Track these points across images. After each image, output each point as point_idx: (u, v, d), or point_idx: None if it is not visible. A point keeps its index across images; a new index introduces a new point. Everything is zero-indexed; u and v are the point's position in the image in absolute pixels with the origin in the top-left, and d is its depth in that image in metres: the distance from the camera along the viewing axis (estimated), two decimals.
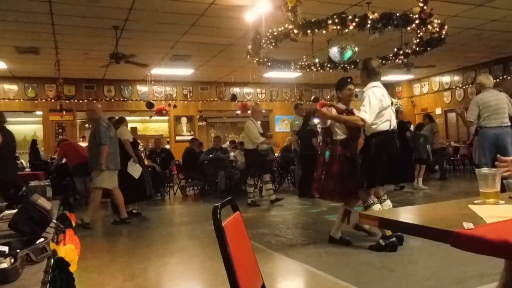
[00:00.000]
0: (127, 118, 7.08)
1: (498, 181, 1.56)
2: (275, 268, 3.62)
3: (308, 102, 12.49)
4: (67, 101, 10.91)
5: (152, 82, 11.43)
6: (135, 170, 6.35)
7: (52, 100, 10.90)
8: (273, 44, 5.92)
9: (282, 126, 13.17)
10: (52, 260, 1.36)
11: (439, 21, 5.61)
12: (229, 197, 1.51)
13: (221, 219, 1.25)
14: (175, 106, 12.09)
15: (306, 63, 7.74)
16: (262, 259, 3.68)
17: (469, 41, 9.05)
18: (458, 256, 3.30)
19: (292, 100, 13.30)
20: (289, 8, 5.26)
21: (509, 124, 5.21)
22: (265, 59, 7.16)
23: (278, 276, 3.38)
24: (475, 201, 1.59)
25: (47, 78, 10.51)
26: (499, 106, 5.20)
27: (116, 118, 6.93)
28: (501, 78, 11.07)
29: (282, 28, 5.58)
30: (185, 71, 10.83)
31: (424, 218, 1.52)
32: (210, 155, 8.77)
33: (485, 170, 1.59)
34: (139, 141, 7.94)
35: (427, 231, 1.26)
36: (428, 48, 6.37)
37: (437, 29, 5.67)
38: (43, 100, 10.95)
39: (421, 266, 3.37)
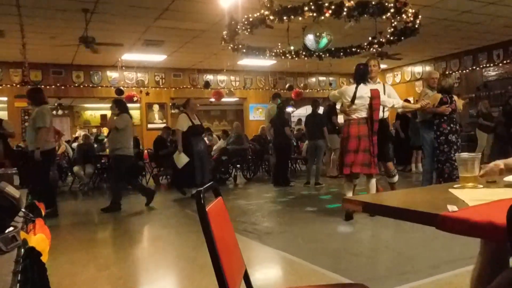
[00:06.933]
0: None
1: (477, 166, 1.58)
2: (252, 255, 3.61)
3: (282, 91, 12.46)
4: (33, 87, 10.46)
5: (123, 68, 11.10)
6: (179, 159, 6.67)
7: (18, 86, 10.39)
8: (249, 30, 5.84)
9: (256, 114, 13.13)
10: (22, 250, 1.29)
11: (413, 11, 5.68)
12: (212, 182, 1.46)
13: (205, 203, 1.20)
14: (147, 93, 11.79)
15: (281, 51, 7.69)
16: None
17: (441, 32, 9.25)
18: (432, 242, 3.40)
19: (267, 88, 13.25)
20: None
21: None
22: (240, 46, 7.06)
23: (256, 264, 3.37)
24: (455, 186, 1.61)
25: (12, 63, 10.01)
26: None
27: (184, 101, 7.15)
28: (470, 69, 11.43)
29: (258, 14, 5.50)
30: (157, 57, 10.56)
31: (407, 202, 1.52)
32: None
33: (464, 155, 1.60)
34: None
35: (412, 215, 1.26)
36: (402, 38, 6.45)
37: (411, 19, 5.74)
38: (8, 86, 10.41)
39: (397, 252, 3.43)
